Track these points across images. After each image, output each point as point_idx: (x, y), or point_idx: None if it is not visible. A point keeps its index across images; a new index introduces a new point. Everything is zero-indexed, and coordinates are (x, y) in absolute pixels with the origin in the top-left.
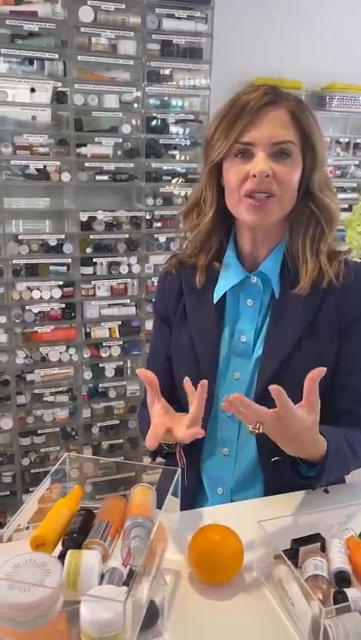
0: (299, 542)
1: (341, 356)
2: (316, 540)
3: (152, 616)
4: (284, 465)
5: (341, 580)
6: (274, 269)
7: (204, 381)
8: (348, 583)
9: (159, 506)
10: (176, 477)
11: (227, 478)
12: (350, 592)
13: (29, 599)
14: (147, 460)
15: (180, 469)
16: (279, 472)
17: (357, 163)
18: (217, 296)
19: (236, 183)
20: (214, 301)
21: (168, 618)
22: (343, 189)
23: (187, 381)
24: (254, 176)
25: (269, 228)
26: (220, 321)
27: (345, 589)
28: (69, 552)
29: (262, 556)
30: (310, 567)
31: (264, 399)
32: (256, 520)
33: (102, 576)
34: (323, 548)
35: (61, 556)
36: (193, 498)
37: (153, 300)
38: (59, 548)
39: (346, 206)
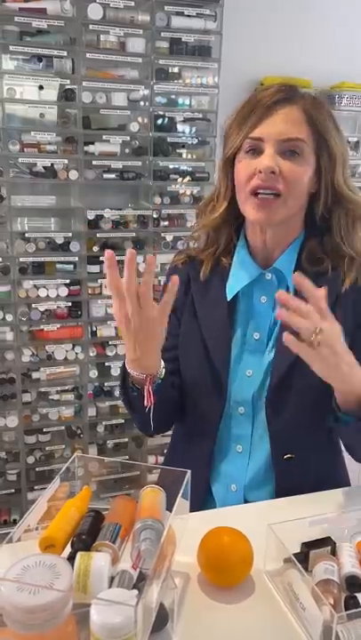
0: (309, 546)
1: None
2: (326, 544)
3: (162, 619)
4: (297, 462)
5: (352, 584)
6: (289, 266)
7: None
8: (359, 588)
9: (169, 508)
10: (186, 480)
11: (241, 475)
12: None
13: (39, 602)
14: (151, 459)
15: (189, 472)
16: (292, 470)
17: None
18: (230, 294)
19: (243, 178)
20: (228, 299)
21: (178, 621)
22: None
23: (150, 257)
24: (260, 172)
25: (282, 226)
26: (232, 318)
27: (356, 594)
28: (79, 554)
29: (272, 559)
30: (321, 571)
31: (276, 396)
32: (266, 523)
33: (112, 579)
34: (333, 552)
35: (70, 558)
36: (203, 495)
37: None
38: (68, 549)
39: None
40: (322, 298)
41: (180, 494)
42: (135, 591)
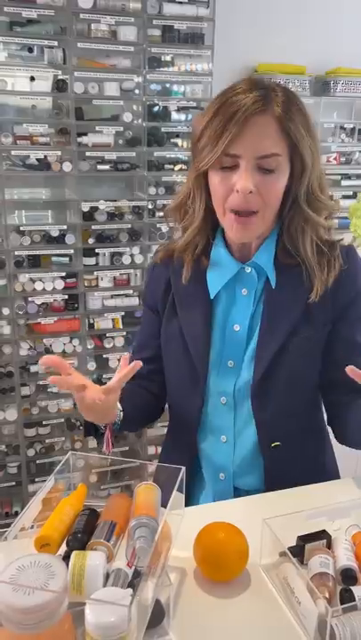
0: (304, 539)
1: (339, 339)
2: (321, 537)
3: (158, 615)
4: (284, 450)
5: (348, 577)
6: (268, 260)
7: (138, 362)
8: (354, 581)
9: (164, 504)
10: (181, 474)
11: (228, 464)
12: (357, 590)
13: (34, 602)
14: (151, 450)
15: (184, 468)
16: (280, 457)
17: None
18: (214, 291)
19: (221, 195)
20: (212, 296)
21: (174, 617)
22: (348, 176)
23: (124, 358)
24: (237, 191)
25: None
26: (212, 312)
27: (351, 587)
28: (74, 553)
29: (268, 553)
30: (316, 564)
31: (262, 386)
32: (261, 517)
33: (107, 577)
34: (329, 545)
35: (66, 557)
36: (191, 485)
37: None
38: (63, 547)
39: (351, 194)
40: None
41: (175, 488)
42: (130, 590)
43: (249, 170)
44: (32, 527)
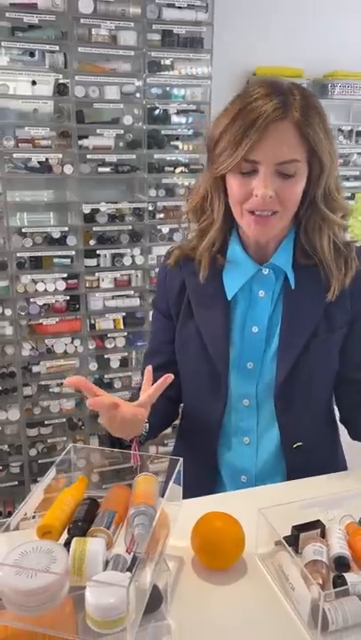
0: (299, 529)
1: (355, 339)
2: (316, 527)
3: (156, 601)
4: (305, 449)
5: (341, 564)
6: (287, 260)
7: (169, 376)
8: (347, 568)
9: (163, 494)
10: (178, 466)
11: (250, 466)
12: (349, 576)
13: (36, 585)
14: (152, 450)
15: (181, 459)
16: (301, 457)
17: (360, 151)
18: (231, 292)
19: (239, 199)
20: (229, 297)
21: (171, 602)
22: (346, 178)
23: (148, 371)
24: (257, 196)
25: None
26: (230, 313)
27: (344, 574)
28: (75, 539)
29: (263, 542)
30: (310, 552)
31: (285, 388)
32: (257, 507)
33: (107, 563)
34: (323, 535)
35: (67, 544)
36: (211, 489)
37: (155, 288)
38: (64, 536)
39: (349, 195)
40: None
41: (172, 480)
42: (128, 573)
43: (268, 176)
44: (34, 517)
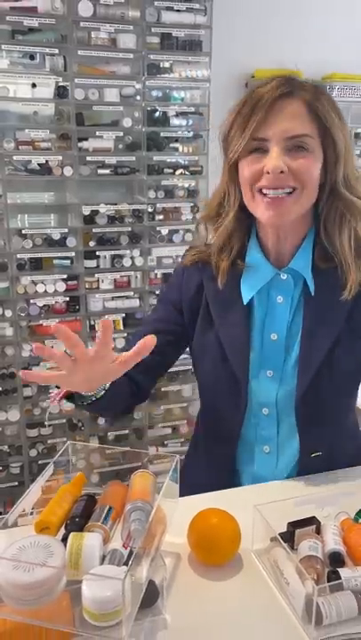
0: (295, 525)
1: None
2: (311, 523)
3: (152, 596)
4: (325, 458)
5: (335, 560)
6: (306, 265)
7: (149, 338)
8: (341, 564)
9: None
10: (174, 464)
11: (270, 475)
12: (343, 572)
13: (34, 579)
14: (152, 451)
15: (178, 456)
16: (317, 466)
17: (359, 152)
18: (247, 297)
19: (249, 180)
20: (245, 302)
21: (168, 597)
22: None
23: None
24: (268, 172)
25: (292, 223)
26: (249, 319)
27: (338, 569)
28: (72, 534)
29: (259, 538)
30: (305, 548)
31: (306, 398)
32: (253, 504)
33: (103, 557)
34: (318, 531)
35: (64, 539)
36: None
37: (159, 291)
38: (62, 532)
39: None
40: None
41: (167, 478)
42: (125, 567)
43: (279, 151)
44: (32, 513)
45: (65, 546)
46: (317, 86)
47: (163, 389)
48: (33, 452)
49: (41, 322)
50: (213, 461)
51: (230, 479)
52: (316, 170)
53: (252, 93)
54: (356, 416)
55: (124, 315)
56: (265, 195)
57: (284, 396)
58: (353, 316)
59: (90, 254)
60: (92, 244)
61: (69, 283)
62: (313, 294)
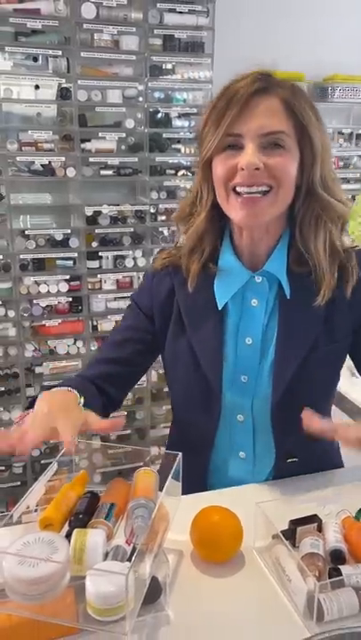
0: (296, 523)
1: None
2: (313, 521)
3: (155, 592)
4: (298, 463)
5: (336, 557)
6: (280, 268)
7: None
8: (342, 561)
9: (161, 489)
10: (177, 462)
11: (248, 480)
12: (345, 569)
13: (38, 574)
14: (154, 451)
15: (180, 454)
16: (292, 471)
17: (360, 153)
18: (222, 301)
19: (223, 177)
20: (219, 307)
21: (171, 594)
22: (346, 180)
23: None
24: (242, 169)
25: (267, 224)
26: (223, 324)
27: (340, 566)
28: (75, 530)
29: (261, 535)
30: (307, 545)
31: (282, 403)
32: (255, 502)
33: (107, 554)
34: (319, 529)
35: (68, 536)
36: None
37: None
38: (65, 528)
39: (349, 197)
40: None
41: (170, 475)
42: (128, 563)
43: (254, 148)
44: (36, 510)
45: (69, 542)
46: (294, 85)
47: (165, 390)
48: (35, 452)
49: (44, 322)
50: (186, 467)
51: (204, 485)
52: (292, 168)
53: (227, 88)
54: (331, 407)
55: None
56: (239, 194)
57: (259, 402)
58: (328, 320)
59: (92, 255)
60: (94, 244)
61: (72, 283)
62: (289, 297)
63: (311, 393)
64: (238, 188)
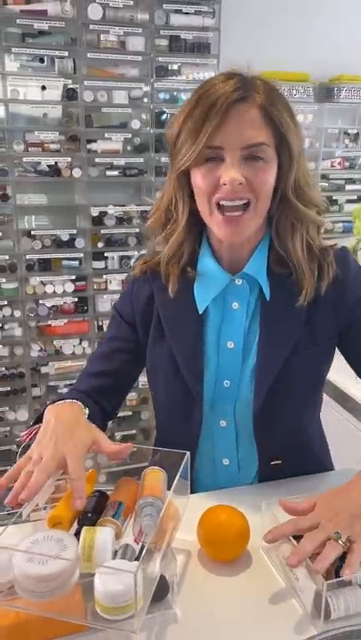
0: None
1: (355, 344)
2: None
3: (163, 590)
4: (283, 466)
5: (344, 556)
6: (260, 270)
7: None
8: None
9: (170, 487)
10: (185, 461)
11: (232, 485)
12: None
13: (47, 571)
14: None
15: (188, 453)
16: (278, 474)
17: None
18: (202, 306)
19: (206, 191)
20: (200, 311)
21: (178, 592)
22: (352, 181)
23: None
24: (225, 184)
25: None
26: (203, 328)
27: None
28: (84, 528)
29: None
30: None
31: (265, 406)
32: (262, 501)
33: (115, 552)
34: None
35: (77, 534)
36: None
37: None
38: (74, 527)
39: (355, 198)
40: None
41: (178, 474)
42: (136, 562)
43: (236, 161)
44: (45, 509)
45: (78, 540)
46: (270, 86)
47: None
48: None
49: (49, 322)
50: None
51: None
52: (271, 179)
53: (203, 94)
54: (320, 423)
55: None
56: (221, 208)
57: (241, 406)
58: (310, 321)
59: (98, 255)
60: (100, 245)
61: (78, 283)
62: (268, 299)
63: (293, 396)
64: (222, 202)
